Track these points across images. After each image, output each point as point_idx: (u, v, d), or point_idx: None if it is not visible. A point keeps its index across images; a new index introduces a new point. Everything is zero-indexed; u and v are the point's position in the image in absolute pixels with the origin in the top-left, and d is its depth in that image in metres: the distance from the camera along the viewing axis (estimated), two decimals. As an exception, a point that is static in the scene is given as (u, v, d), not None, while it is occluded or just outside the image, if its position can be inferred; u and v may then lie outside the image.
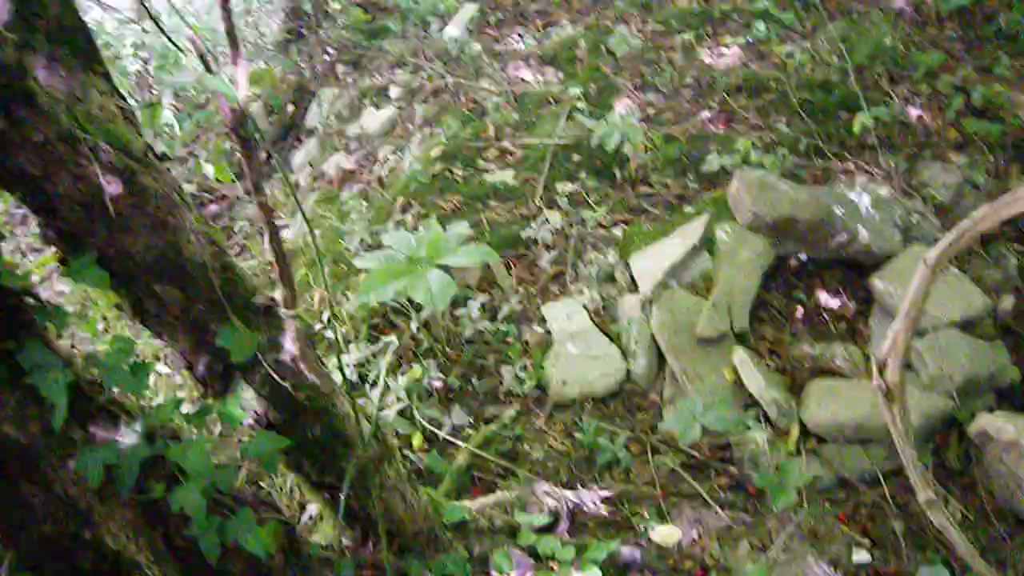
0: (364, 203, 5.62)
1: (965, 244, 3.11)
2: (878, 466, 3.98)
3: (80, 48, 2.20)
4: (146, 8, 3.14)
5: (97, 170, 2.13)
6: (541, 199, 5.25)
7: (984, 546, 3.78)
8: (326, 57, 7.64)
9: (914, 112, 5.85)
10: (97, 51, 2.27)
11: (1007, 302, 4.75)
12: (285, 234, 6.14)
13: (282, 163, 7.27)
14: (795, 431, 4.06)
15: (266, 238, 2.90)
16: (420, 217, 5.20)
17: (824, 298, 4.70)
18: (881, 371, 3.27)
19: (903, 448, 3.32)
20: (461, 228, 4.42)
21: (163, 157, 2.45)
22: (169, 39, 2.74)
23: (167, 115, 7.04)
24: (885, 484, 3.95)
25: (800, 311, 4.64)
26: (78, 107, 2.13)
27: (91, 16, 8.37)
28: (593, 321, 4.62)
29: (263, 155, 7.21)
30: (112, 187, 2.17)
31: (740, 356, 4.19)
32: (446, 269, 4.18)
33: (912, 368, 4.29)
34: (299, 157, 7.19)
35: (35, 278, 2.78)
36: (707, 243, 4.69)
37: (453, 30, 6.99)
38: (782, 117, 5.80)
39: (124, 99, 2.32)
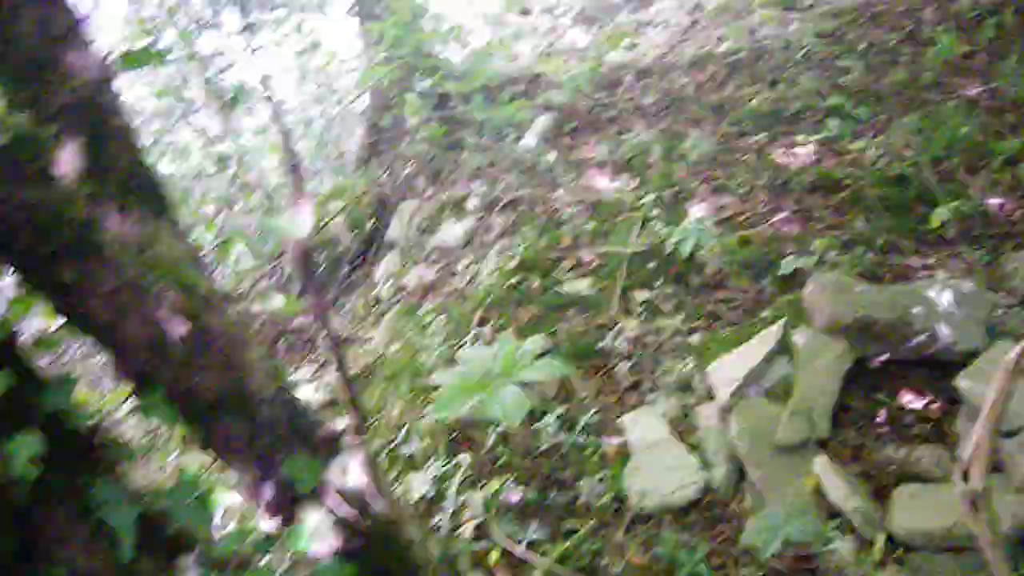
0: (443, 316, 5.71)
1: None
2: None
3: (149, 196, 2.33)
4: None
5: (164, 313, 2.23)
6: (617, 308, 5.27)
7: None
8: (406, 171, 7.85)
9: (994, 202, 5.78)
10: (164, 197, 2.39)
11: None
12: (367, 347, 6.27)
13: (363, 278, 7.45)
14: (880, 540, 3.96)
15: (334, 367, 2.97)
16: (497, 329, 5.28)
17: (907, 399, 4.60)
18: (965, 477, 3.20)
19: (993, 558, 3.22)
20: (535, 343, 4.49)
21: (228, 297, 2.56)
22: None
23: (239, 248, 7.28)
24: (978, 594, 3.82)
25: (883, 414, 4.55)
26: (146, 253, 2.24)
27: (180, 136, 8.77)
28: (671, 431, 4.60)
29: (345, 270, 7.41)
30: (178, 329, 2.27)
31: (822, 463, 4.13)
32: (522, 384, 4.26)
33: (1002, 470, 4.18)
34: (381, 270, 7.37)
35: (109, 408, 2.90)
36: (785, 348, 4.66)
37: (529, 141, 7.15)
38: (858, 214, 5.77)
39: (189, 242, 2.43)
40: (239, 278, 7.52)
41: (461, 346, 5.22)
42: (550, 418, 4.68)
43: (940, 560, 3.90)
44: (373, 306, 7.00)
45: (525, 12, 11.49)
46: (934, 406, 4.58)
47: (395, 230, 7.55)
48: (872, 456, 4.39)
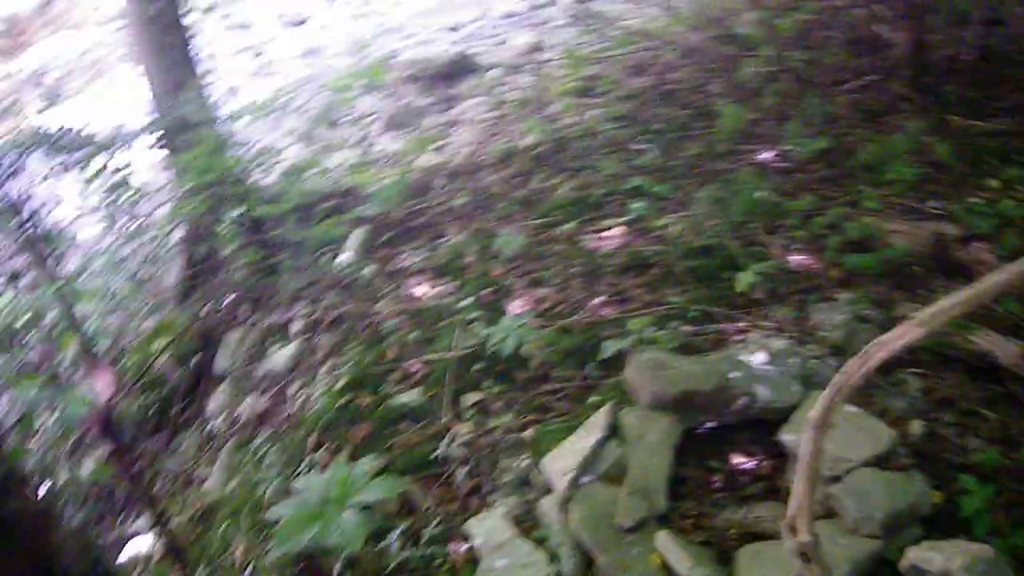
0: (277, 446, 5.61)
1: (844, 397, 3.18)
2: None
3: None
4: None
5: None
6: (449, 414, 5.28)
7: None
8: (227, 300, 7.75)
9: (795, 259, 6.04)
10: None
11: (916, 427, 4.82)
12: (205, 486, 6.10)
13: (195, 413, 7.29)
14: (731, 608, 4.03)
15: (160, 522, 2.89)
16: (333, 451, 5.22)
17: (738, 461, 4.72)
18: (793, 531, 3.28)
19: (830, 608, 3.31)
20: (366, 464, 4.46)
21: (25, 480, 2.48)
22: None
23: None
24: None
25: (718, 479, 4.65)
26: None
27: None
28: (516, 529, 4.59)
29: (177, 408, 7.23)
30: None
31: (663, 539, 4.18)
32: (360, 507, 4.22)
33: (834, 514, 4.31)
34: (213, 403, 7.20)
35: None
36: (614, 431, 4.73)
37: (345, 257, 7.16)
38: (670, 289, 5.94)
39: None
40: (59, 443, 7.23)
41: (297, 475, 5.13)
42: (394, 535, 4.62)
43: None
44: (208, 442, 6.84)
45: (333, 124, 11.55)
46: (764, 463, 4.70)
47: (223, 361, 7.42)
48: (712, 522, 4.47)
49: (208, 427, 6.93)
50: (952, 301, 2.93)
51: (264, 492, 5.12)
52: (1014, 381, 5.01)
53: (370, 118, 11.30)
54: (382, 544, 4.60)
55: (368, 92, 10.76)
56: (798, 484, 3.23)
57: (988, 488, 4.29)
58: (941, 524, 4.33)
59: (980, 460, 4.59)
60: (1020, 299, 5.37)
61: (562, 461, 4.57)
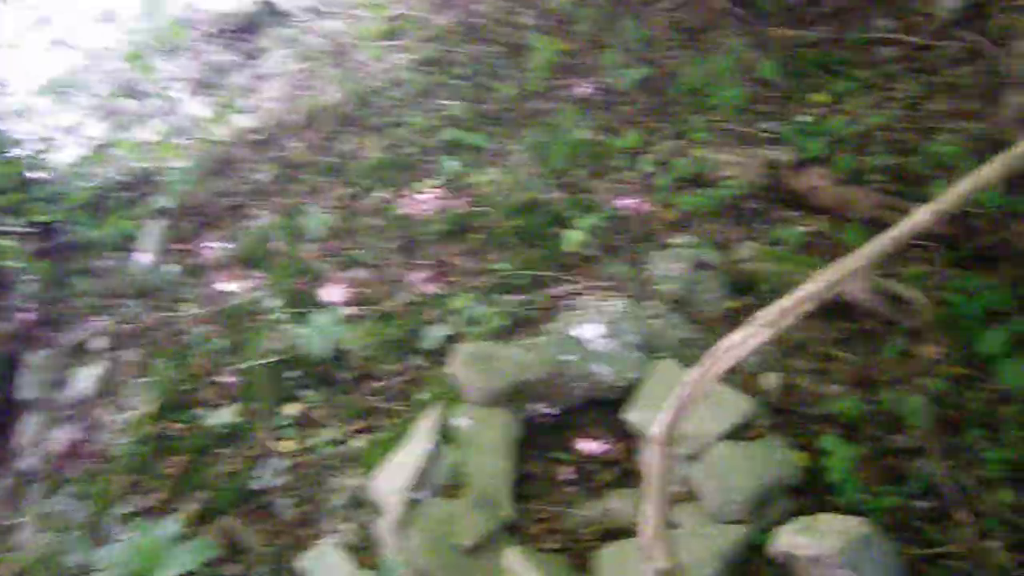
0: (87, 490, 4.91)
1: (688, 411, 2.74)
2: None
3: None
4: None
5: None
6: (268, 432, 4.70)
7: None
8: (21, 318, 6.91)
9: (625, 203, 5.60)
10: None
11: (771, 380, 4.49)
12: (16, 541, 5.39)
13: (4, 449, 6.50)
14: (593, 625, 3.61)
15: None
16: (145, 494, 4.59)
17: (585, 446, 4.30)
18: (651, 557, 2.88)
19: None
20: (173, 525, 3.87)
21: None
22: None
23: None
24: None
25: (566, 472, 4.22)
26: None
27: None
28: (354, 561, 4.07)
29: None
30: None
31: (511, 558, 3.71)
32: None
33: (695, 498, 3.94)
34: (24, 436, 6.42)
35: None
36: (447, 435, 4.23)
37: (144, 257, 6.40)
38: (495, 254, 5.45)
39: None
40: None
41: (109, 538, 4.44)
42: (219, 592, 4.04)
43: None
44: (23, 483, 6.07)
45: (134, 95, 10.60)
46: (613, 447, 4.29)
47: (27, 388, 6.61)
48: (565, 523, 4.05)
49: (23, 464, 6.14)
50: (797, 298, 2.50)
51: (70, 561, 4.43)
52: (867, 317, 4.71)
53: (173, 83, 10.40)
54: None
55: (169, 55, 9.80)
56: (649, 507, 2.81)
57: (849, 448, 3.97)
58: (808, 491, 4.01)
59: (840, 409, 4.28)
60: (857, 231, 5.06)
61: (393, 479, 4.04)
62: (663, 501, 2.75)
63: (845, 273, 2.52)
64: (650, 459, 2.74)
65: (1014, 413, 4.25)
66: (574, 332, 4.52)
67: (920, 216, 2.49)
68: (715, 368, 2.65)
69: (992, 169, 2.97)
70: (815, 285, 2.56)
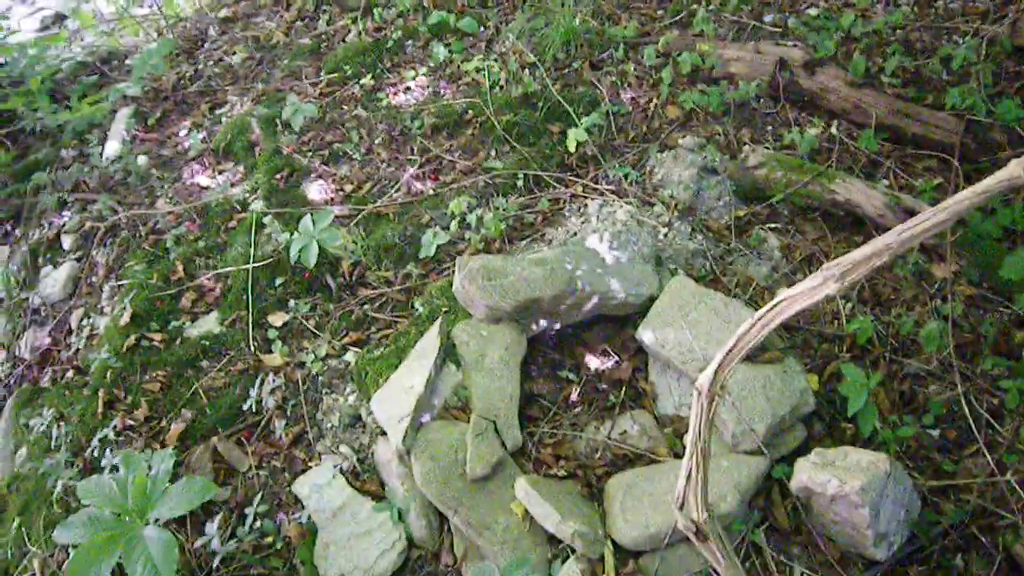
0: (66, 407, 4.62)
1: (736, 360, 2.54)
2: (706, 565, 3.44)
3: None
4: None
5: None
6: (255, 343, 4.47)
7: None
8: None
9: (627, 97, 5.33)
10: None
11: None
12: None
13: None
14: (609, 559, 3.48)
15: None
16: (127, 412, 4.35)
17: (594, 364, 4.12)
18: (682, 507, 2.72)
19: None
20: (166, 461, 3.64)
21: None
22: None
23: None
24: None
25: (574, 392, 4.04)
26: None
27: None
28: (353, 486, 3.90)
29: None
30: None
31: (523, 489, 3.54)
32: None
33: (715, 428, 3.79)
34: (-9, 338, 6.11)
35: None
36: (450, 350, 4.03)
37: (112, 147, 6.03)
38: (491, 150, 5.17)
39: None
40: None
41: (92, 463, 4.20)
42: (212, 528, 3.83)
43: (672, 554, 3.48)
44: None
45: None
46: (623, 365, 4.11)
47: (-8, 288, 6.26)
48: (575, 447, 3.89)
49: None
50: (872, 249, 2.27)
51: (53, 486, 4.19)
52: (879, 231, 4.51)
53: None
54: (202, 540, 3.82)
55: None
56: (687, 460, 2.63)
57: (866, 376, 3.81)
58: (824, 417, 3.88)
59: (854, 329, 4.12)
60: (871, 138, 4.85)
61: (394, 404, 3.84)
62: (704, 455, 2.58)
63: (925, 229, 2.30)
64: (695, 410, 2.55)
65: (1033, 340, 4.14)
66: (582, 243, 4.29)
67: (1014, 169, 2.26)
68: (770, 320, 2.44)
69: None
70: (889, 237, 2.34)
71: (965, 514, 3.59)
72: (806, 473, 3.45)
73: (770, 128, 5.11)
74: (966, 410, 3.85)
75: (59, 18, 8.95)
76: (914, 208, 4.40)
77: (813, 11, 5.74)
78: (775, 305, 2.44)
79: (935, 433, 3.88)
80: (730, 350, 2.52)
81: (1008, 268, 4.14)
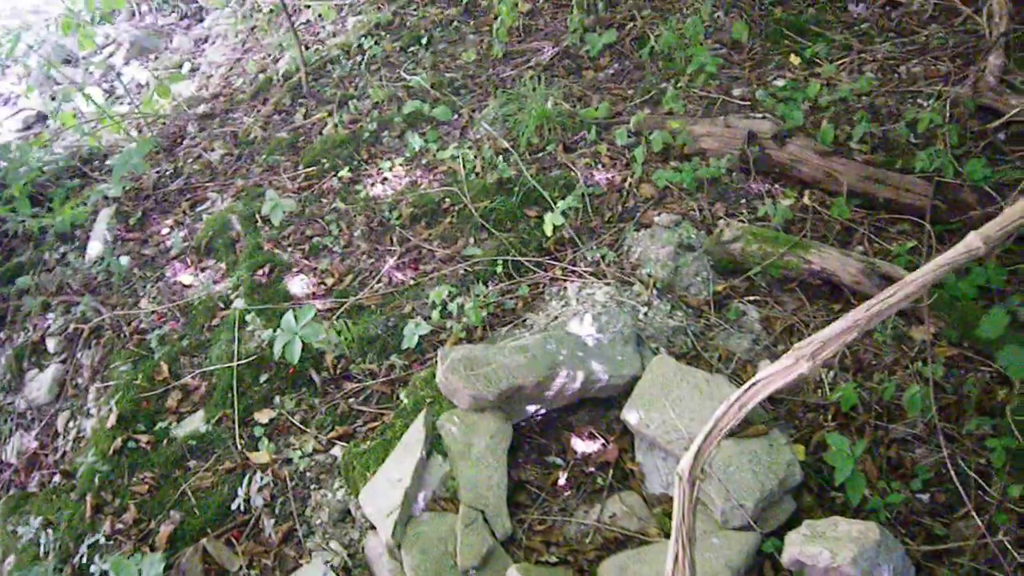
0: (54, 512, 4.60)
1: (715, 443, 2.57)
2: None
3: None
4: None
5: None
6: (242, 441, 4.47)
7: None
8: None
9: (601, 178, 5.40)
10: None
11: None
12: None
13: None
14: (604, 643, 3.46)
15: None
16: (115, 515, 4.34)
17: (580, 447, 4.13)
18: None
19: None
20: (155, 566, 3.64)
21: None
22: None
23: None
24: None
25: (562, 476, 4.05)
26: None
27: None
28: (343, 581, 3.89)
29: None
30: None
31: (513, 578, 3.54)
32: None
33: (700, 502, 3.79)
34: (-26, 444, 6.10)
35: None
36: (436, 441, 4.04)
37: (94, 248, 6.09)
38: (469, 238, 5.23)
39: None
40: None
41: (81, 570, 4.17)
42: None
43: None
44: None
45: (69, 61, 10.15)
46: (609, 447, 4.12)
47: (-23, 392, 6.27)
48: (565, 532, 3.88)
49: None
50: (840, 327, 2.31)
51: None
52: (857, 298, 4.57)
53: (110, 49, 9.96)
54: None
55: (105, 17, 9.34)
56: (673, 544, 2.63)
57: (855, 446, 3.83)
58: (811, 489, 3.89)
59: (837, 397, 4.14)
60: (843, 205, 4.93)
61: (381, 499, 3.84)
62: (690, 537, 2.59)
63: (893, 303, 2.34)
64: (678, 495, 2.57)
65: (1015, 398, 4.15)
66: (563, 327, 4.33)
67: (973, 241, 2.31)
68: (745, 402, 2.48)
69: None
70: (858, 313, 2.39)
71: (960, 579, 3.59)
72: (797, 546, 3.45)
73: (744, 201, 5.18)
74: (952, 473, 3.86)
75: (41, 118, 9.07)
76: (890, 273, 4.45)
77: (780, 82, 5.85)
78: (750, 387, 2.47)
79: (924, 497, 3.88)
80: (708, 434, 2.54)
81: (986, 327, 4.17)
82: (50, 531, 4.42)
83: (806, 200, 5.09)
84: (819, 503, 3.87)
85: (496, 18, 6.86)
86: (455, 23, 7.41)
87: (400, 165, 5.89)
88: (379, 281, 5.09)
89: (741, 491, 3.65)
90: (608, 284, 4.74)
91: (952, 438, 4.03)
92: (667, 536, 3.79)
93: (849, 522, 3.51)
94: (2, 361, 5.94)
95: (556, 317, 4.57)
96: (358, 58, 7.25)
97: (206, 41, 9.61)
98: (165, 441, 4.63)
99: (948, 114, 5.36)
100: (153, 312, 5.39)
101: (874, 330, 4.46)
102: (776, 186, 5.25)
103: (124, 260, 5.84)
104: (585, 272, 4.86)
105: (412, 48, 7.20)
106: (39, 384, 5.57)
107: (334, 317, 4.88)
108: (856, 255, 4.58)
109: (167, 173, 6.67)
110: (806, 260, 4.61)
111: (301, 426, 4.49)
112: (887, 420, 4.14)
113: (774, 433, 3.89)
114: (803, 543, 3.44)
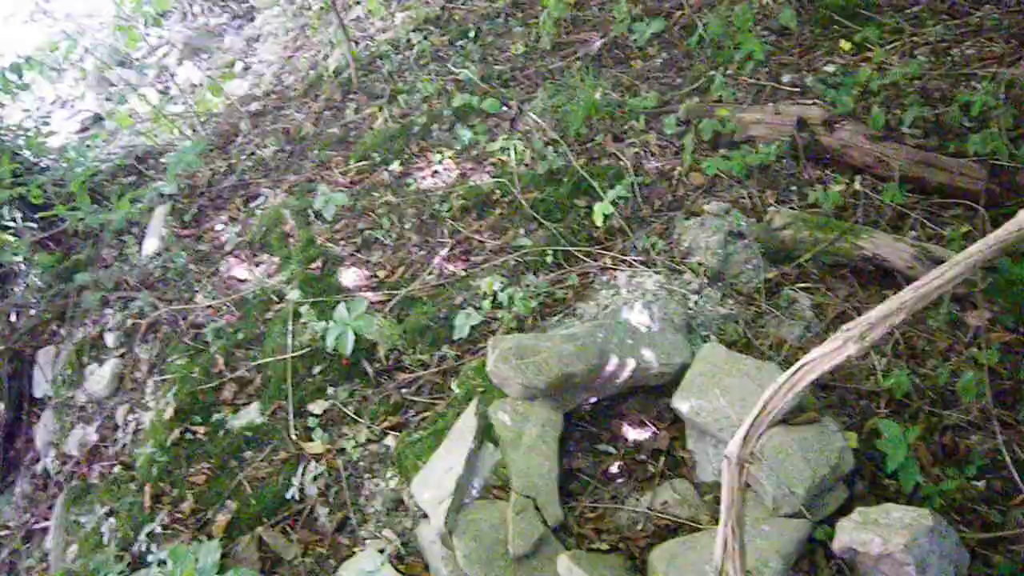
0: (115, 502, 4.72)
1: (764, 426, 2.57)
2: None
3: None
4: None
5: None
6: (296, 432, 4.54)
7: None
8: (32, 315, 6.67)
9: (651, 166, 5.39)
10: None
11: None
12: (48, 545, 5.23)
13: (25, 448, 6.32)
14: (656, 628, 3.48)
15: None
16: (174, 504, 4.43)
17: (631, 435, 4.14)
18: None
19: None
20: (212, 553, 3.71)
21: None
22: None
23: None
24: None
25: (613, 464, 4.06)
26: None
27: None
28: (397, 570, 3.92)
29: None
30: None
31: (566, 565, 3.55)
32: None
33: (750, 489, 3.79)
34: (40, 435, 6.23)
35: None
36: (488, 429, 4.07)
37: (150, 244, 6.20)
38: (519, 229, 5.25)
39: None
40: None
41: (140, 558, 4.28)
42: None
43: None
44: (44, 485, 5.89)
45: (124, 63, 10.30)
46: (660, 434, 4.13)
47: (40, 385, 6.42)
48: (616, 520, 3.90)
49: (41, 465, 5.96)
50: (888, 308, 2.30)
51: None
52: (910, 284, 4.51)
53: (164, 49, 10.10)
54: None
55: (157, 19, 9.47)
56: (723, 529, 2.64)
57: (908, 432, 3.79)
58: (863, 475, 3.86)
59: (890, 384, 4.10)
60: (895, 190, 4.88)
61: (433, 488, 3.88)
62: (738, 523, 2.60)
63: (940, 284, 2.33)
64: (726, 479, 2.58)
65: (1072, 382, 4.10)
66: (613, 315, 4.34)
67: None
68: (794, 384, 2.47)
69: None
70: (906, 294, 2.38)
71: (1016, 566, 3.54)
72: (848, 533, 3.43)
73: (794, 188, 5.15)
74: (1008, 459, 3.81)
75: (97, 119, 9.24)
76: (943, 258, 4.39)
77: (830, 68, 5.80)
78: (798, 369, 2.47)
79: (980, 484, 3.84)
80: (756, 416, 2.55)
81: (1042, 309, 4.14)
82: (111, 520, 4.52)
83: (857, 186, 5.05)
84: (872, 490, 3.84)
85: (543, 10, 6.85)
86: (502, 16, 7.42)
87: (450, 158, 5.92)
88: (430, 273, 5.13)
89: (792, 478, 3.63)
90: (658, 272, 4.74)
91: (1008, 424, 3.98)
92: (718, 523, 3.79)
93: (902, 509, 3.48)
94: (63, 356, 6.08)
95: (606, 306, 4.58)
96: (407, 53, 7.29)
97: (257, 40, 9.70)
98: (221, 432, 4.72)
99: (1003, 96, 5.27)
100: (208, 306, 5.48)
101: (928, 316, 4.42)
102: (827, 172, 5.20)
103: (180, 256, 5.95)
104: (635, 261, 4.86)
105: (460, 42, 7.23)
106: (99, 378, 5.68)
107: (386, 309, 4.92)
108: (908, 240, 4.54)
109: (221, 170, 6.77)
110: (858, 246, 4.57)
111: (354, 416, 4.54)
112: (941, 407, 4.09)
113: (825, 420, 3.87)
114: (854, 530, 3.43)
